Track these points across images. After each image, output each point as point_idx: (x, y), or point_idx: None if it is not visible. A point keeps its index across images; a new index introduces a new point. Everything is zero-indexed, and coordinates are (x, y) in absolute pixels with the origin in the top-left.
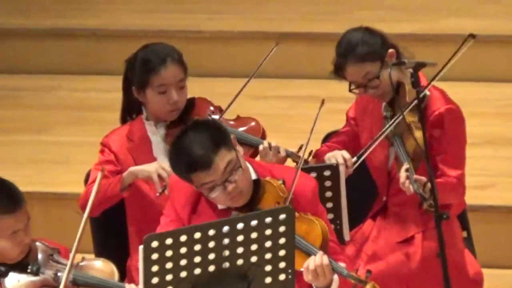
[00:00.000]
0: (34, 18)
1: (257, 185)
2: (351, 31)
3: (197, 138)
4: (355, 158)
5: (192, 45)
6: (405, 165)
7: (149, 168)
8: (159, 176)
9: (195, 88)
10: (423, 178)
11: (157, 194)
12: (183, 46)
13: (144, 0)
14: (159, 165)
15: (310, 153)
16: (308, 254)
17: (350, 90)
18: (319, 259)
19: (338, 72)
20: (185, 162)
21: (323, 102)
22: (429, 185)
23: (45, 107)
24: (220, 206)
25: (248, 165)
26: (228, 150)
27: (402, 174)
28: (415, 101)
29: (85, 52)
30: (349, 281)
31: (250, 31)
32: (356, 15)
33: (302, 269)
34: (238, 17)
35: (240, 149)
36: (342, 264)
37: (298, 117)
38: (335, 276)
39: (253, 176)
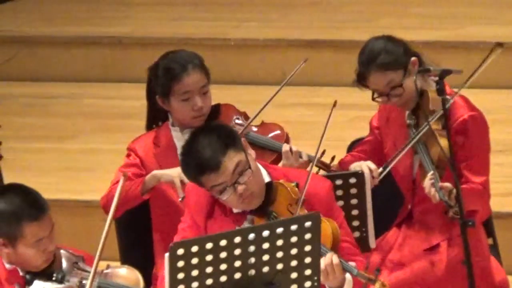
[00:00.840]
0: (60, 26)
1: (270, 187)
2: (373, 39)
3: (206, 140)
4: (381, 169)
5: (218, 52)
6: (430, 173)
7: (171, 172)
8: (181, 181)
9: (221, 95)
10: (449, 186)
11: (179, 200)
12: (210, 53)
13: (171, 8)
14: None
15: (332, 158)
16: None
17: (373, 99)
18: (329, 258)
19: (361, 81)
20: (194, 165)
21: (335, 103)
22: (454, 192)
23: (71, 115)
24: (235, 210)
25: (262, 168)
26: (237, 151)
27: (427, 183)
28: (442, 110)
29: (111, 60)
30: (359, 280)
31: (276, 39)
32: (382, 23)
33: None
34: (264, 25)
35: (252, 152)
36: (352, 264)
37: (323, 124)
38: (348, 276)
39: (266, 179)
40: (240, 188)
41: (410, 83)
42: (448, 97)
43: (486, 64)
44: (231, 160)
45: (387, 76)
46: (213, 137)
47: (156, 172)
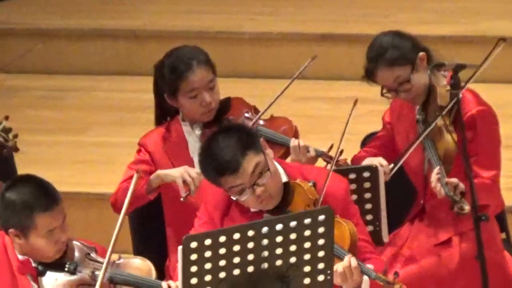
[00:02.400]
0: (74, 19)
1: (287, 187)
2: (381, 35)
3: (225, 142)
4: (391, 165)
5: (232, 46)
6: (437, 169)
7: (174, 173)
8: (184, 182)
9: (235, 88)
10: (455, 181)
11: (181, 199)
12: (224, 47)
13: (185, 1)
14: (185, 170)
15: (341, 153)
16: (337, 256)
17: (382, 94)
18: (347, 261)
19: (369, 76)
20: (214, 167)
21: (355, 102)
22: (461, 186)
23: (85, 108)
24: (252, 209)
25: (279, 167)
26: (256, 153)
27: (434, 177)
28: (450, 104)
29: (125, 53)
30: (377, 283)
31: (290, 33)
32: (397, 17)
33: None
34: (279, 18)
35: (270, 152)
36: (370, 266)
37: (338, 118)
38: (366, 278)
39: (284, 179)
40: (259, 189)
41: (418, 78)
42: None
43: (490, 59)
44: (250, 162)
45: (395, 71)
46: (233, 138)
47: (159, 172)
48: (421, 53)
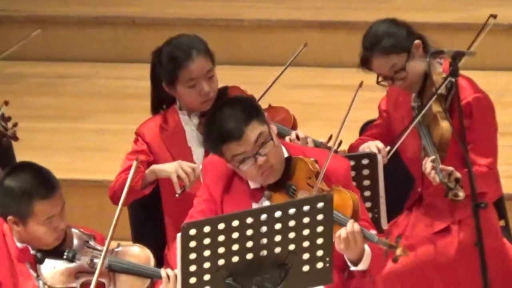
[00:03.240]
0: (73, 6)
1: (289, 162)
2: (376, 23)
3: (230, 111)
4: (388, 148)
5: (232, 33)
6: (431, 156)
7: (168, 168)
8: (178, 177)
9: (234, 76)
10: (449, 168)
11: (176, 195)
12: (223, 34)
13: None
14: (179, 165)
15: (340, 144)
16: (339, 223)
17: (378, 82)
18: (351, 226)
19: (365, 64)
20: (217, 133)
21: (361, 84)
22: (456, 175)
23: (84, 95)
24: (252, 185)
25: (281, 144)
26: (260, 123)
27: (428, 164)
28: (440, 89)
29: (124, 40)
30: (380, 247)
31: (290, 20)
32: (395, 4)
33: (332, 240)
34: (278, 5)
35: (274, 128)
36: (373, 231)
37: (336, 106)
38: (367, 248)
39: (285, 154)
40: (261, 159)
41: (414, 66)
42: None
43: (482, 37)
44: (254, 130)
45: (390, 60)
46: (237, 108)
47: (154, 167)
48: (416, 41)
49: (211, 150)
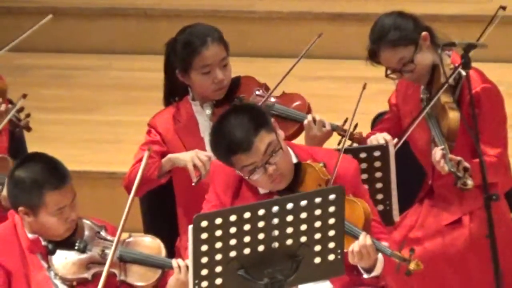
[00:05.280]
0: None
1: (298, 168)
2: (383, 16)
3: (237, 121)
4: (396, 140)
5: (243, 25)
6: (441, 146)
7: (184, 157)
8: (195, 166)
9: (245, 68)
10: (457, 158)
11: (193, 184)
12: (235, 26)
13: None
14: (195, 154)
15: (355, 126)
16: (351, 235)
17: (386, 75)
18: (363, 240)
19: (373, 58)
20: (226, 145)
21: (364, 86)
22: (464, 164)
23: (96, 87)
24: (261, 191)
25: (289, 149)
26: (268, 132)
27: (438, 153)
28: (449, 80)
29: (136, 32)
30: (393, 260)
31: (301, 12)
32: None
33: (345, 251)
34: None
35: (281, 133)
36: (385, 244)
37: (347, 98)
38: (380, 256)
39: (294, 160)
40: (271, 168)
41: (422, 58)
42: (462, 72)
43: (491, 28)
44: (263, 140)
45: (398, 52)
46: (245, 117)
47: (170, 156)
48: (423, 33)
49: (220, 160)
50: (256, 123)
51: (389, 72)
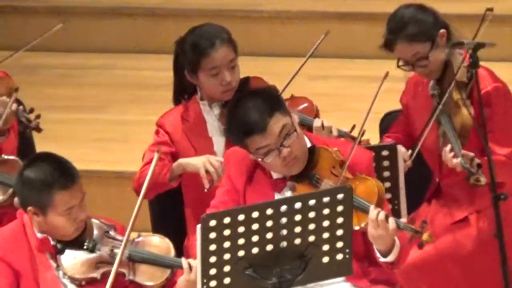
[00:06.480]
0: None
1: (312, 152)
2: (403, 7)
3: (252, 103)
4: (410, 151)
5: (251, 24)
6: (453, 142)
7: (196, 162)
8: (206, 171)
9: (254, 67)
10: (470, 154)
11: (205, 190)
12: (243, 25)
13: None
14: (207, 159)
15: (363, 133)
16: (363, 211)
17: (398, 66)
18: (374, 213)
19: (388, 47)
20: (241, 126)
21: (386, 74)
22: (476, 161)
23: (104, 86)
24: (275, 176)
25: (303, 135)
26: (283, 114)
27: (447, 149)
28: (462, 77)
29: (144, 31)
30: (406, 233)
31: (309, 11)
32: None
33: (356, 228)
34: None
35: (295, 117)
36: (403, 219)
37: (356, 97)
38: (397, 241)
39: (308, 144)
40: (285, 151)
41: (437, 55)
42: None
43: (481, 32)
44: (278, 122)
45: (414, 47)
46: (259, 100)
47: (181, 161)
48: (442, 30)
49: (235, 143)
50: (271, 105)
51: (401, 63)
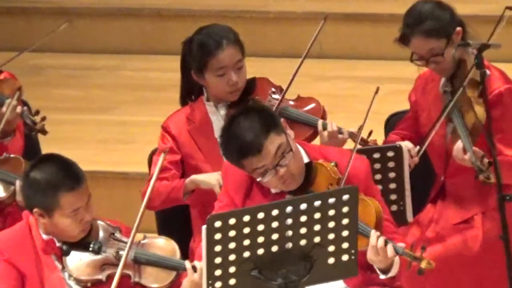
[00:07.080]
0: None
1: (309, 168)
2: (422, 2)
3: (246, 123)
4: (418, 147)
5: (257, 25)
6: (464, 139)
7: (210, 180)
8: (221, 188)
9: (260, 68)
10: (481, 151)
11: None
12: (249, 26)
13: None
14: (220, 176)
15: (370, 133)
16: (362, 234)
17: (411, 60)
18: (374, 238)
19: (403, 41)
20: (236, 148)
21: (377, 90)
22: (486, 159)
23: (110, 87)
24: (273, 190)
25: (300, 148)
26: (278, 134)
27: (459, 145)
28: (469, 74)
29: (149, 32)
30: (404, 258)
31: (315, 12)
32: None
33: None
34: None
35: (291, 132)
36: (402, 244)
37: (362, 98)
38: (396, 258)
39: (305, 159)
40: (282, 170)
41: (451, 52)
42: (487, 71)
43: (499, 30)
44: (273, 143)
45: (430, 43)
46: (254, 119)
47: (194, 177)
48: (458, 28)
49: (231, 163)
50: (266, 125)
51: (415, 57)
